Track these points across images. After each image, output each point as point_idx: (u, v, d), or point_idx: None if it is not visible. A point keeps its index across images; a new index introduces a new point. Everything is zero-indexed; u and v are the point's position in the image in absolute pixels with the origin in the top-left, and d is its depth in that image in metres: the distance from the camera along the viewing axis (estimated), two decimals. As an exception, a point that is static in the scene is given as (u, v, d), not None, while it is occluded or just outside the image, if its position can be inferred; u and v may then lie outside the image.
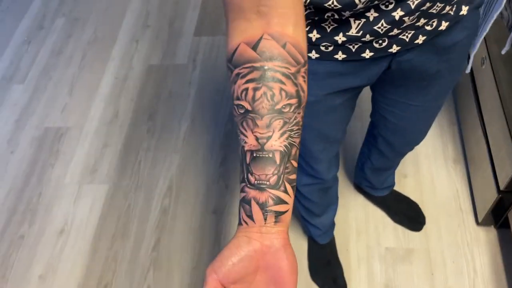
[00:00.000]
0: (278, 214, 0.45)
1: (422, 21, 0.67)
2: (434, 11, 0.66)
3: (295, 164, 0.47)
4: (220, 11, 2.12)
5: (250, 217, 0.45)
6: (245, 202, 0.45)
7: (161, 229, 1.53)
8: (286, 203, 0.46)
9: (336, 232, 1.39)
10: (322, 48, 0.70)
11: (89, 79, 1.98)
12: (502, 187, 1.21)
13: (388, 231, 1.43)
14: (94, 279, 1.45)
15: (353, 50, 0.70)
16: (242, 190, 0.46)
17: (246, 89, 0.46)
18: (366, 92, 0.94)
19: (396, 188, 1.47)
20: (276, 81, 0.46)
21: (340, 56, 0.71)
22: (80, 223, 1.57)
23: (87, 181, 1.67)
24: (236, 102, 0.47)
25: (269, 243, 0.44)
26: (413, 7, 0.63)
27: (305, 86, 0.49)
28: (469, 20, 0.74)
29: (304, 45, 0.49)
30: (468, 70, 1.24)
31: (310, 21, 0.66)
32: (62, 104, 1.91)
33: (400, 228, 1.42)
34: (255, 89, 0.46)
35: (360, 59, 0.71)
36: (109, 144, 1.76)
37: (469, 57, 1.14)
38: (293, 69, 0.47)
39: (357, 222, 1.45)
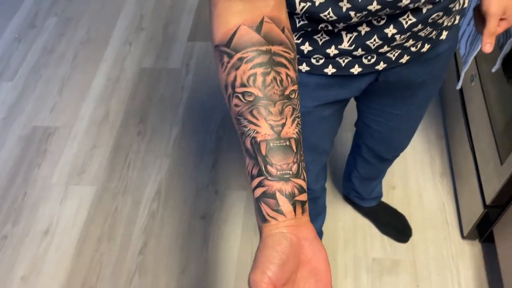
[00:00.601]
0: (303, 204, 0.43)
1: (411, 42, 0.69)
2: (422, 34, 0.68)
3: (302, 149, 0.46)
4: (215, 18, 2.13)
5: (278, 210, 0.41)
6: (268, 196, 0.42)
7: (148, 232, 1.51)
8: (305, 191, 0.44)
9: (324, 242, 1.40)
10: (313, 61, 0.70)
11: (80, 79, 1.96)
12: (488, 202, 1.23)
13: (375, 242, 1.44)
14: (78, 282, 1.43)
15: (343, 64, 0.70)
16: (260, 185, 0.43)
17: (254, 74, 0.43)
18: (353, 102, 0.96)
19: (384, 199, 1.48)
20: (282, 66, 0.44)
21: (329, 70, 0.70)
22: (65, 224, 1.55)
23: (75, 182, 1.65)
24: (242, 89, 0.44)
25: (304, 235, 0.42)
26: (405, 26, 0.64)
27: (297, 73, 0.48)
28: (449, 34, 0.77)
29: (291, 32, 0.49)
30: (458, 87, 1.26)
31: (303, 32, 0.66)
32: (52, 103, 1.89)
33: (387, 239, 1.44)
34: (264, 74, 0.43)
35: (349, 74, 0.71)
36: (98, 146, 1.74)
37: (459, 75, 1.16)
38: (292, 55, 0.46)
39: (345, 232, 1.46)
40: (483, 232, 1.36)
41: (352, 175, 1.32)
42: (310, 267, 0.42)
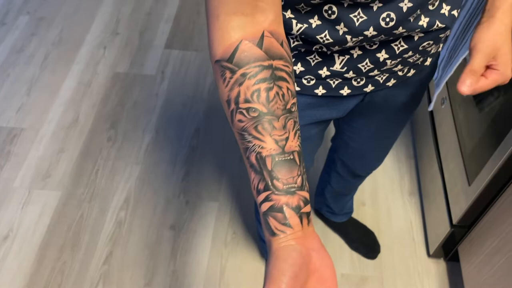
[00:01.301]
0: (308, 215, 0.44)
1: (399, 67, 0.70)
2: (411, 60, 0.69)
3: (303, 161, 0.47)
4: (193, 26, 2.12)
5: (286, 224, 0.42)
6: (275, 210, 0.43)
7: (114, 242, 1.47)
8: (309, 202, 0.45)
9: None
10: (304, 82, 0.70)
11: (50, 80, 1.90)
12: (455, 222, 1.26)
13: (344, 258, 1.45)
14: (37, 291, 1.36)
15: (333, 86, 0.70)
16: (267, 199, 0.44)
17: (258, 90, 0.44)
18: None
19: (354, 215, 1.50)
20: (283, 80, 0.45)
21: (320, 91, 0.71)
22: (27, 230, 1.48)
23: (39, 187, 1.59)
24: (246, 105, 0.44)
25: (313, 246, 0.43)
26: (397, 52, 0.65)
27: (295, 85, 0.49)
28: (432, 60, 0.79)
29: (289, 46, 0.50)
30: (430, 109, 1.30)
31: (296, 52, 0.66)
32: (18, 104, 1.82)
33: (356, 255, 1.45)
34: (268, 89, 0.44)
35: (338, 95, 0.72)
36: (66, 150, 1.69)
37: (430, 97, 1.20)
38: (291, 68, 0.47)
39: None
40: (448, 251, 1.39)
41: (326, 189, 1.33)
42: (318, 275, 0.43)
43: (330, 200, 1.36)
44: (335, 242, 1.48)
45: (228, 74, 0.45)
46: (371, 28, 0.58)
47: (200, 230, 1.50)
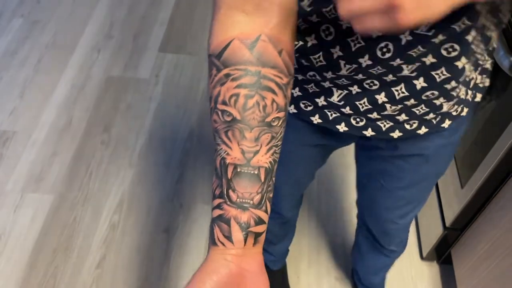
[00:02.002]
0: (258, 236, 0.42)
1: (403, 117, 0.63)
2: (417, 112, 0.62)
3: (274, 180, 0.45)
4: (187, 30, 2.13)
5: (229, 238, 0.41)
6: (223, 221, 0.41)
7: (107, 245, 1.46)
8: (264, 223, 0.43)
9: (289, 259, 1.39)
10: (302, 106, 0.67)
11: (44, 83, 1.90)
12: (448, 224, 1.27)
13: (338, 262, 1.45)
14: (29, 295, 1.35)
15: (330, 118, 0.66)
16: (219, 207, 0.42)
17: (237, 95, 0.42)
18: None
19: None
20: (269, 90, 0.42)
21: (316, 119, 0.67)
22: (19, 234, 1.47)
23: (31, 190, 1.58)
24: (222, 107, 0.42)
25: (248, 267, 0.41)
26: (397, 97, 0.59)
27: (289, 100, 0.46)
28: (451, 131, 0.70)
29: (293, 56, 0.46)
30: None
31: (294, 78, 0.62)
32: (11, 107, 1.81)
33: (348, 260, 1.45)
34: (247, 97, 0.42)
35: (335, 129, 0.68)
36: (59, 153, 1.68)
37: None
38: (285, 80, 0.44)
39: (310, 250, 1.47)
40: (441, 254, 1.40)
41: (354, 249, 1.24)
42: None
43: (359, 269, 1.26)
44: (330, 245, 1.48)
45: (214, 71, 0.43)
46: (366, 56, 0.53)
47: (194, 233, 1.50)
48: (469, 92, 0.65)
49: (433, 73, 0.55)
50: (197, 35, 2.11)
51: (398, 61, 0.54)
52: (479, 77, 0.65)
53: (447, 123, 0.67)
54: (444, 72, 0.55)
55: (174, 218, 1.53)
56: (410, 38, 0.50)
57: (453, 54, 0.53)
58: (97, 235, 1.48)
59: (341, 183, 1.61)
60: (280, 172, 0.90)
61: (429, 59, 0.54)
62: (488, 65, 0.65)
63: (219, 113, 0.42)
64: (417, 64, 0.54)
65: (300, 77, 0.62)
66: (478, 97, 0.67)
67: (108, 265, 1.42)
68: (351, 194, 1.58)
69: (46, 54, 2.00)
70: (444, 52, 0.53)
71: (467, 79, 0.61)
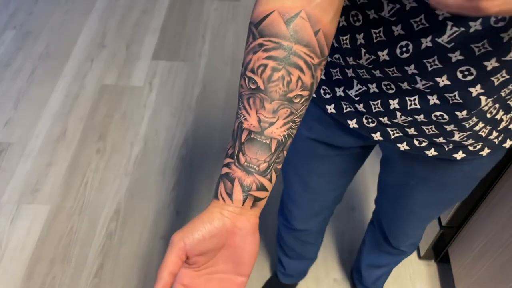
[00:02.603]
0: (257, 200, 0.44)
1: (413, 131, 0.63)
2: (426, 130, 0.62)
3: (285, 153, 0.46)
4: (179, 37, 2.14)
5: (230, 195, 0.44)
6: (228, 179, 0.44)
7: (105, 254, 1.46)
8: (267, 190, 0.45)
9: (286, 262, 1.39)
10: (321, 92, 0.68)
11: (38, 94, 1.90)
12: (444, 223, 1.27)
13: (336, 263, 1.45)
14: (27, 306, 1.34)
15: (344, 111, 0.67)
16: (227, 166, 0.44)
17: (265, 66, 0.43)
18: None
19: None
20: (297, 67, 0.43)
21: (330, 109, 0.69)
22: (16, 245, 1.46)
23: (27, 201, 1.57)
24: (250, 74, 0.44)
25: (241, 225, 0.44)
26: (408, 107, 0.59)
27: (318, 80, 0.46)
28: (473, 168, 0.69)
29: (332, 38, 0.46)
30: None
31: None
32: (6, 118, 1.81)
33: (347, 261, 1.45)
34: (274, 69, 0.43)
35: (345, 124, 0.68)
36: (54, 163, 1.68)
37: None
38: (316, 60, 0.44)
39: (307, 253, 1.47)
40: (438, 252, 1.40)
41: (361, 249, 1.25)
42: (232, 253, 0.44)
43: (363, 266, 1.26)
44: (327, 248, 1.48)
45: (250, 39, 0.45)
46: (386, 51, 0.54)
47: (191, 240, 1.49)
48: (495, 133, 0.62)
49: (446, 95, 0.55)
50: (189, 42, 2.11)
51: (412, 68, 0.54)
52: None
53: (460, 155, 0.65)
54: (457, 97, 0.54)
55: (170, 225, 1.53)
56: (430, 44, 0.50)
57: (469, 78, 0.52)
58: (94, 244, 1.48)
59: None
60: (291, 173, 0.88)
61: (443, 81, 0.53)
62: None
63: (246, 79, 0.44)
64: (430, 83, 0.54)
65: (328, 59, 0.62)
66: (508, 143, 0.65)
67: (105, 274, 1.41)
68: (349, 197, 1.59)
69: (39, 65, 2.00)
70: (459, 75, 0.52)
71: (489, 116, 0.59)
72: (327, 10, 0.44)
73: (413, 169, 0.74)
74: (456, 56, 0.50)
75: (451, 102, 0.56)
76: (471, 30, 0.46)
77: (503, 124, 0.62)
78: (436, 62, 0.52)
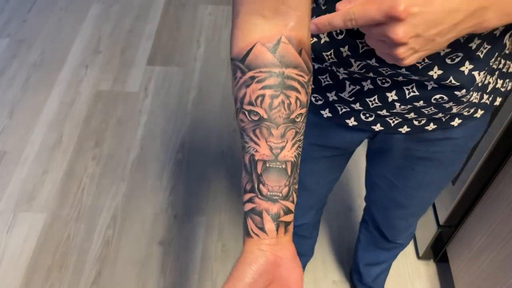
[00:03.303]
0: (287, 224, 0.45)
1: (412, 115, 0.64)
2: (425, 112, 0.63)
3: (298, 172, 0.48)
4: (174, 42, 2.14)
5: (262, 229, 0.44)
6: (256, 213, 0.44)
7: (102, 261, 1.45)
8: (292, 212, 0.46)
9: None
10: (312, 99, 0.68)
11: (32, 102, 1.89)
12: (441, 222, 1.27)
13: (335, 264, 1.44)
14: (25, 315, 1.33)
15: (340, 112, 0.67)
16: (251, 201, 0.45)
17: (263, 96, 0.44)
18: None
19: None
20: (293, 89, 0.45)
21: (326, 113, 0.69)
22: (13, 254, 1.45)
23: (24, 209, 1.56)
24: (249, 107, 0.45)
25: (282, 254, 0.44)
26: (407, 96, 0.60)
27: (310, 95, 0.48)
28: (466, 138, 0.71)
29: (311, 53, 0.48)
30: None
31: None
32: (0, 127, 1.80)
33: (345, 263, 1.45)
34: (273, 97, 0.44)
35: (344, 124, 0.69)
36: (50, 170, 1.67)
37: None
38: (306, 78, 0.46)
39: (305, 255, 1.46)
40: (437, 252, 1.40)
41: (357, 247, 1.25)
42: (282, 284, 0.44)
43: (361, 265, 1.27)
44: (325, 249, 1.48)
45: (238, 74, 0.46)
46: (374, 59, 0.55)
47: (189, 245, 1.49)
48: (485, 96, 0.64)
49: (442, 82, 0.57)
50: (184, 46, 2.11)
51: (403, 70, 0.55)
52: (499, 81, 0.64)
53: (456, 122, 0.67)
54: (453, 81, 0.56)
55: (168, 230, 1.52)
56: None
57: (457, 60, 0.54)
58: (92, 251, 1.47)
59: (336, 187, 1.61)
60: None
61: (436, 72, 0.55)
62: (511, 69, 0.64)
63: (246, 113, 0.45)
64: (425, 78, 0.56)
65: (316, 66, 0.63)
66: (498, 100, 0.67)
67: (103, 281, 1.40)
68: (346, 197, 1.59)
69: (34, 73, 2.00)
70: (448, 61, 0.54)
71: (480, 84, 0.61)
72: (302, 29, 0.45)
73: (410, 152, 0.75)
74: (444, 50, 0.52)
75: (449, 85, 0.57)
76: None
77: (491, 86, 0.64)
78: (426, 60, 0.53)
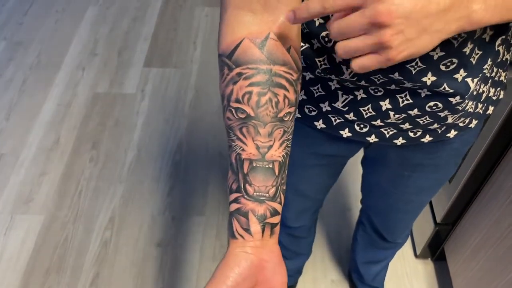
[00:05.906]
0: (274, 226, 0.44)
1: (407, 125, 0.63)
2: (421, 122, 0.62)
3: (286, 173, 0.46)
4: (171, 43, 2.14)
5: (247, 230, 0.43)
6: (241, 214, 0.43)
7: (100, 262, 1.44)
8: (279, 213, 0.45)
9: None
10: (306, 111, 0.67)
11: (30, 104, 1.89)
12: (438, 220, 1.28)
13: (334, 264, 1.45)
14: (23, 318, 1.33)
15: (334, 123, 0.66)
16: (236, 201, 0.44)
17: (250, 93, 0.43)
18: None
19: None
20: (281, 87, 0.43)
21: (319, 124, 0.67)
22: (10, 256, 1.45)
23: (21, 211, 1.56)
24: (236, 105, 0.43)
25: (267, 257, 0.43)
26: (401, 105, 0.59)
27: (299, 94, 0.46)
28: (462, 143, 0.71)
29: (300, 51, 0.46)
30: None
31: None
32: (-2, 129, 1.80)
33: (344, 262, 1.45)
34: (260, 94, 0.43)
35: (338, 135, 0.68)
36: (48, 172, 1.67)
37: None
38: (295, 76, 0.45)
39: (303, 255, 1.46)
40: (434, 250, 1.40)
41: (355, 246, 1.24)
42: (267, 287, 0.43)
43: (360, 264, 1.26)
44: (324, 249, 1.48)
45: (226, 70, 0.44)
46: None
47: (187, 246, 1.49)
48: (480, 105, 0.64)
49: (435, 89, 0.56)
50: (181, 48, 2.12)
51: (397, 75, 0.54)
52: (492, 90, 0.64)
53: (452, 133, 0.67)
54: (447, 88, 0.55)
55: (166, 231, 1.52)
56: None
57: (452, 67, 0.53)
58: (90, 253, 1.47)
59: (334, 187, 1.61)
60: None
61: (429, 78, 0.53)
62: (502, 77, 0.64)
63: (233, 110, 0.44)
64: (418, 84, 0.55)
65: (308, 76, 0.62)
66: (491, 109, 0.67)
67: (102, 282, 1.40)
68: (345, 198, 1.59)
69: (30, 75, 2.00)
70: (443, 68, 0.53)
71: (475, 93, 0.60)
72: (291, 26, 0.44)
73: (406, 160, 0.75)
74: (437, 54, 0.51)
75: (442, 92, 0.56)
76: None
77: (484, 95, 0.63)
78: (419, 64, 0.52)
